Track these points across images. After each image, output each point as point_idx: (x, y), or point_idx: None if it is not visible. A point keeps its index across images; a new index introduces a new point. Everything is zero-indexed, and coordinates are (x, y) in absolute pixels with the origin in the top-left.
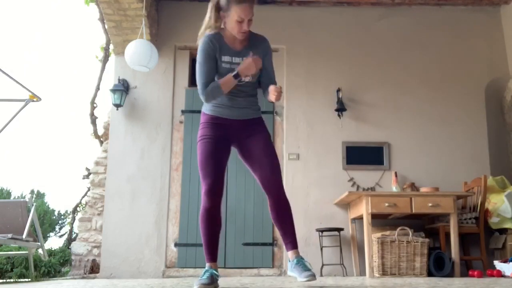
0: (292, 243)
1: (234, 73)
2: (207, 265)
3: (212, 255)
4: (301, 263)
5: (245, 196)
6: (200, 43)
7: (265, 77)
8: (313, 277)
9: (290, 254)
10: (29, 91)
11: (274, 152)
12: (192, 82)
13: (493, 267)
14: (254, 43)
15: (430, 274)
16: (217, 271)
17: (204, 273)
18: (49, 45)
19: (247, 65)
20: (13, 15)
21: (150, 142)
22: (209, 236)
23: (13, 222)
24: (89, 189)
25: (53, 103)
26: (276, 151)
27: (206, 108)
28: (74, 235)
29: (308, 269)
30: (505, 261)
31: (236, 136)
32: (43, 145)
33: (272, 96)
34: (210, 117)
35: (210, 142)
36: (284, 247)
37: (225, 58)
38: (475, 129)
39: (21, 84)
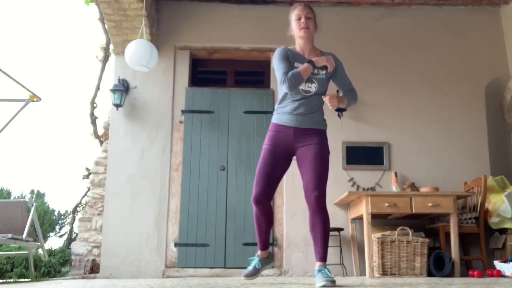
0: (318, 254)
1: (309, 60)
2: (256, 253)
3: (260, 244)
4: (322, 272)
5: (245, 196)
6: (276, 52)
7: (340, 86)
8: (329, 282)
9: (316, 263)
10: (29, 91)
11: (320, 166)
12: (192, 82)
13: (493, 267)
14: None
15: (430, 274)
16: (262, 259)
17: (250, 262)
18: (49, 45)
19: (321, 59)
20: (13, 15)
21: (150, 142)
22: (257, 230)
23: (13, 222)
24: (89, 189)
25: (53, 103)
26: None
27: (273, 118)
28: (74, 235)
29: (327, 277)
30: (505, 261)
31: (293, 144)
32: (43, 145)
33: (329, 104)
34: (274, 125)
35: (268, 151)
36: (284, 247)
37: (297, 65)
38: (475, 129)
39: (21, 84)
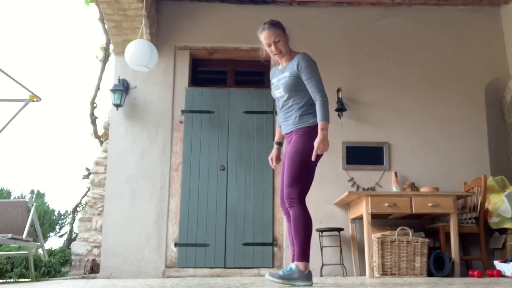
0: (293, 252)
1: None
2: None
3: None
4: (284, 270)
5: (245, 196)
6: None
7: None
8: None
9: None
10: (29, 91)
11: (289, 165)
12: (192, 82)
13: (493, 267)
14: (291, 60)
15: (430, 274)
16: None
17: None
18: (49, 45)
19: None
20: (13, 15)
21: (150, 142)
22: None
23: (13, 222)
24: (89, 189)
25: (53, 103)
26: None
27: None
28: (74, 235)
29: (277, 275)
30: (505, 261)
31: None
32: (43, 145)
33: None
34: None
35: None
36: (284, 247)
37: (273, 80)
38: (475, 129)
39: (21, 84)
